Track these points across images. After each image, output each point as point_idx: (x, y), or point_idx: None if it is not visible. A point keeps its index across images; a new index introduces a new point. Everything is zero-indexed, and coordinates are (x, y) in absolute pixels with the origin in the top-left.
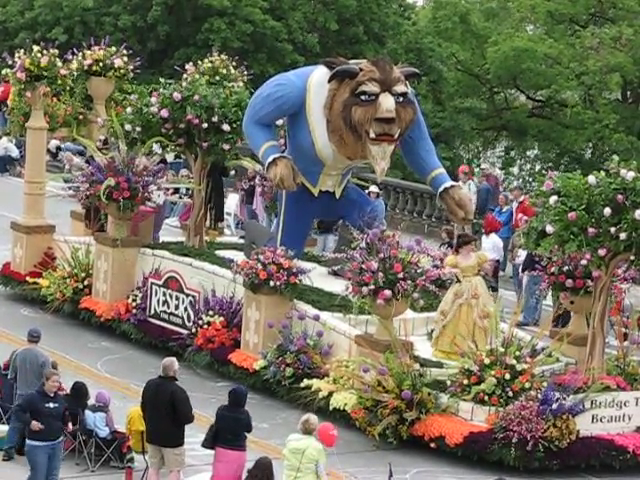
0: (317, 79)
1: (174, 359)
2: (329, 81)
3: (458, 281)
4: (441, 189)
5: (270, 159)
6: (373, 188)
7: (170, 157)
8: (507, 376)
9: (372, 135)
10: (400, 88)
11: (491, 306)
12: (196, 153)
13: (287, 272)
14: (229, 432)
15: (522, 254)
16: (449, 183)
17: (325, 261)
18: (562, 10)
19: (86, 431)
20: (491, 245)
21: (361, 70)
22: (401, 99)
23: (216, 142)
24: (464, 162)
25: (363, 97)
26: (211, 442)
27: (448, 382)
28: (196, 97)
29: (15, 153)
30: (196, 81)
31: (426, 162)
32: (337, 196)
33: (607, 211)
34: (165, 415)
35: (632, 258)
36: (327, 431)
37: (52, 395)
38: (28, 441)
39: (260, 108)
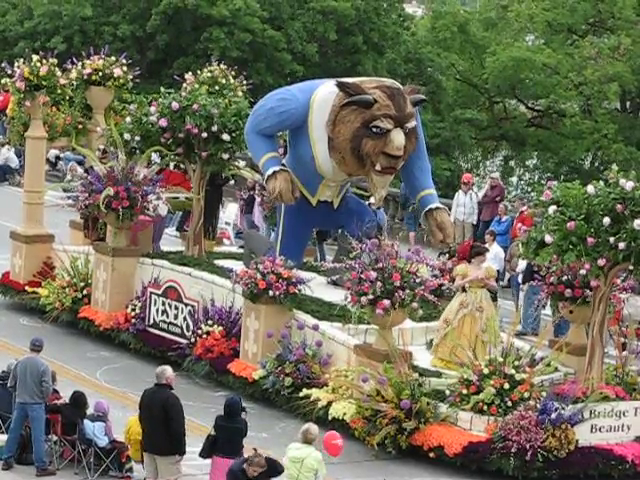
0: (321, 96)
1: (166, 367)
2: (341, 106)
3: (464, 291)
4: (426, 209)
5: (270, 172)
6: (374, 199)
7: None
8: (506, 386)
9: (378, 167)
10: (411, 124)
11: (493, 319)
12: (195, 163)
13: (286, 282)
14: (227, 442)
15: (521, 263)
16: (435, 205)
17: (324, 271)
18: (561, 20)
19: (85, 440)
20: (492, 255)
21: (375, 101)
22: (408, 131)
23: (215, 152)
24: (464, 172)
25: (375, 130)
26: (208, 452)
27: (447, 392)
28: (195, 106)
29: (15, 163)
30: (195, 90)
31: (419, 181)
32: (335, 206)
33: (606, 221)
34: (158, 423)
35: (631, 268)
36: (331, 440)
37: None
38: None
39: (262, 120)
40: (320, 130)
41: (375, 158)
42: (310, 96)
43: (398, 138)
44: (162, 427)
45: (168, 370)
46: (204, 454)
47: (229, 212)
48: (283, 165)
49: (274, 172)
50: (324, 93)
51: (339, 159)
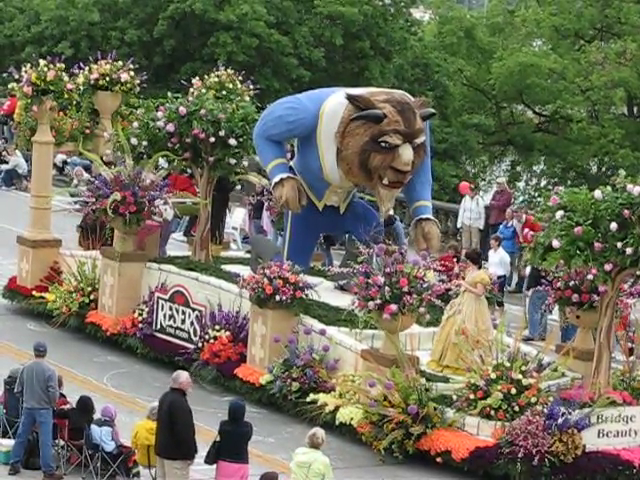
0: (331, 106)
1: (182, 372)
2: (351, 120)
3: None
4: (416, 218)
5: (277, 179)
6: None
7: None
8: (513, 391)
9: (385, 181)
10: (420, 139)
11: (482, 324)
12: (202, 167)
13: (293, 286)
14: (233, 446)
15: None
16: (426, 216)
17: (331, 275)
18: (567, 25)
19: (92, 445)
20: (498, 260)
21: (385, 116)
22: (417, 146)
23: (222, 156)
24: (470, 177)
25: (383, 145)
26: (213, 458)
27: (454, 397)
28: (202, 111)
29: (22, 169)
30: (202, 95)
31: (417, 192)
32: (341, 211)
33: (613, 226)
34: (164, 426)
35: (638, 273)
36: None
37: None
38: None
39: (271, 126)
40: (329, 140)
41: (383, 172)
42: (320, 106)
43: (406, 153)
44: (167, 431)
45: (182, 375)
46: (209, 460)
47: (236, 217)
48: (291, 168)
49: (281, 179)
50: (334, 104)
51: (347, 169)
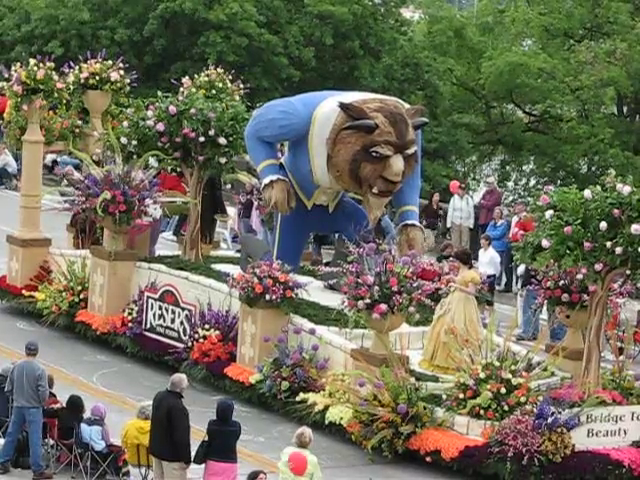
0: (323, 112)
1: (184, 377)
2: (343, 128)
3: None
4: (402, 224)
5: (267, 180)
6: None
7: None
8: (503, 390)
9: (375, 190)
10: (411, 150)
11: (471, 323)
12: (192, 167)
13: (283, 286)
14: (222, 446)
15: (520, 268)
16: (411, 221)
17: (321, 275)
18: (557, 25)
19: (82, 444)
20: (488, 259)
21: (377, 126)
22: (408, 156)
23: (212, 156)
24: (460, 177)
25: (374, 154)
26: (202, 458)
27: (444, 396)
28: (192, 111)
29: (12, 168)
30: (192, 95)
31: (404, 196)
32: (330, 210)
33: (603, 225)
34: (162, 428)
35: (628, 272)
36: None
37: None
38: None
39: (264, 128)
40: (320, 146)
41: (373, 181)
42: (312, 111)
43: (397, 164)
44: (166, 434)
45: (184, 381)
46: (198, 460)
47: None
48: (281, 166)
49: (271, 181)
50: (326, 110)
51: (337, 176)
